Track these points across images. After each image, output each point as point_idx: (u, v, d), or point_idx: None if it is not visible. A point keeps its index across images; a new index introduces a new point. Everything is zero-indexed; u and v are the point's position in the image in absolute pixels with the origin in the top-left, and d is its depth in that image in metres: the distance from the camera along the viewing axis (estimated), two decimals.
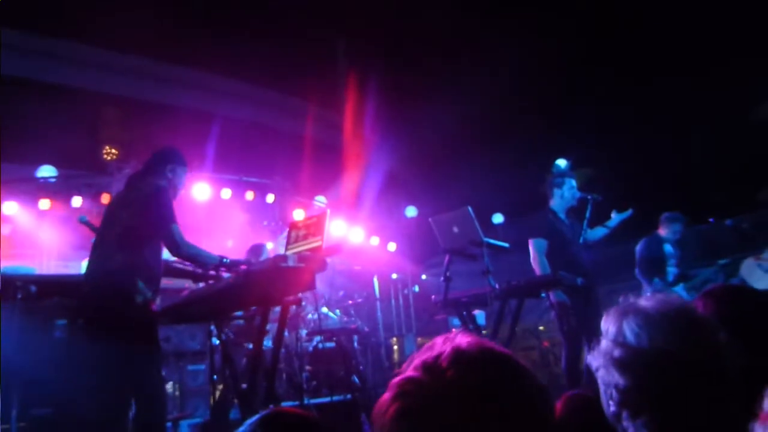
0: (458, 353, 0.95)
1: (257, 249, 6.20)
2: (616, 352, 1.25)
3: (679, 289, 6.33)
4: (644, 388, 1.20)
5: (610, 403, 1.26)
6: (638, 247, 6.60)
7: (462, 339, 1.00)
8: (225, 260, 3.70)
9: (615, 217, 5.76)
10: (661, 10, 9.52)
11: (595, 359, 1.31)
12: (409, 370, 0.98)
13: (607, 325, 1.31)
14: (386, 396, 0.97)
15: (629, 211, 5.74)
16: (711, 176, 10.46)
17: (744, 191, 10.47)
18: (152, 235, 3.45)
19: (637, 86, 10.64)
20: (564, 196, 5.46)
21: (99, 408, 3.31)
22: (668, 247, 6.55)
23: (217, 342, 5.88)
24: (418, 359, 1.00)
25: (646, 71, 10.55)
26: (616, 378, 1.24)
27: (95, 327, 3.34)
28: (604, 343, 1.30)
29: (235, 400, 5.04)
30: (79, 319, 3.73)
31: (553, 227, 5.36)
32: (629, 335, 1.24)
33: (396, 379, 0.98)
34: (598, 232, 5.74)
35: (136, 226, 3.44)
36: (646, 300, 1.29)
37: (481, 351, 0.95)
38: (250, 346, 5.99)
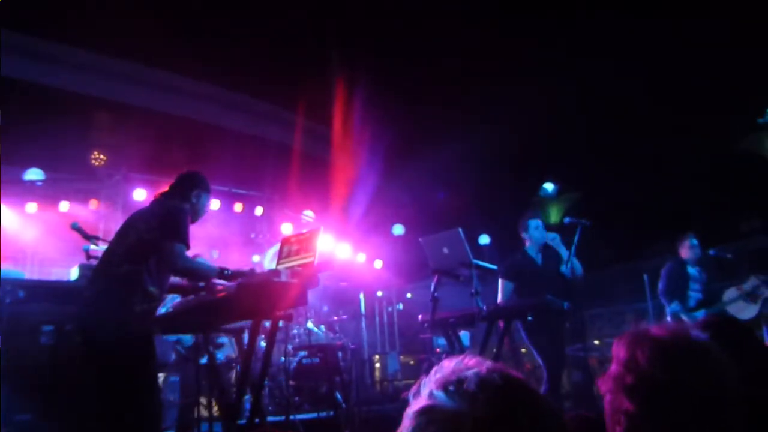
0: (484, 379, 0.94)
1: None
2: (628, 379, 1.26)
3: (700, 315, 5.96)
4: (654, 416, 1.22)
5: (617, 428, 1.27)
6: (662, 270, 6.37)
7: (478, 363, 0.99)
8: (227, 271, 3.69)
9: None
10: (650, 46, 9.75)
11: (604, 383, 1.32)
12: (427, 398, 0.96)
13: (618, 350, 1.32)
14: (406, 424, 0.94)
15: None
16: (695, 206, 10.61)
17: (728, 221, 10.64)
18: (160, 249, 3.44)
19: (620, 121, 10.85)
20: (533, 238, 5.47)
21: (87, 420, 3.28)
22: (692, 270, 6.25)
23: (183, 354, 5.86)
24: (434, 384, 0.97)
25: (632, 107, 10.76)
26: (626, 404, 1.25)
27: (91, 335, 3.31)
28: (615, 368, 1.30)
29: (205, 415, 4.99)
30: (69, 324, 3.69)
31: (521, 269, 5.38)
32: (642, 363, 1.25)
33: (416, 408, 0.95)
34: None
35: (147, 239, 3.43)
36: (658, 328, 1.30)
37: (503, 377, 0.95)
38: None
